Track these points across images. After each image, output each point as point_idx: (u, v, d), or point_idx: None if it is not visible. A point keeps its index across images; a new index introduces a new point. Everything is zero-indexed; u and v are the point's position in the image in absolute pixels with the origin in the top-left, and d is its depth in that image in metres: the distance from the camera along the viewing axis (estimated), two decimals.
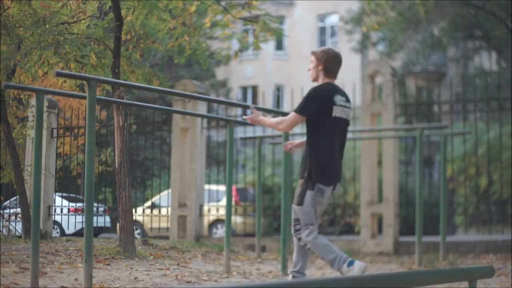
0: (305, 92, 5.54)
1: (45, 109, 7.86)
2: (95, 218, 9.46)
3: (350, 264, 5.16)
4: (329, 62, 5.36)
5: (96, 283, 5.65)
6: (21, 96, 9.10)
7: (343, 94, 5.37)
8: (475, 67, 24.45)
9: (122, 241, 7.81)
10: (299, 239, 5.36)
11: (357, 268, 5.10)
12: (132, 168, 10.43)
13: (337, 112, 5.25)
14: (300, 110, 5.33)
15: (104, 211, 11.20)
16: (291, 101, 14.45)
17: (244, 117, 5.77)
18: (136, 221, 13.02)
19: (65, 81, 8.43)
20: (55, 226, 10.60)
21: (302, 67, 30.42)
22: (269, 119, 5.60)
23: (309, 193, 5.26)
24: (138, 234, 13.61)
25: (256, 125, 5.70)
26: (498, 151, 12.53)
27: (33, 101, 8.90)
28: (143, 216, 13.42)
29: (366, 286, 2.89)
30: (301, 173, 5.37)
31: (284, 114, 7.85)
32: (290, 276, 5.53)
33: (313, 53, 5.46)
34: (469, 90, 18.21)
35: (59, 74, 5.51)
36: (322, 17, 31.09)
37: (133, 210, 9.08)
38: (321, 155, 5.26)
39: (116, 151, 7.96)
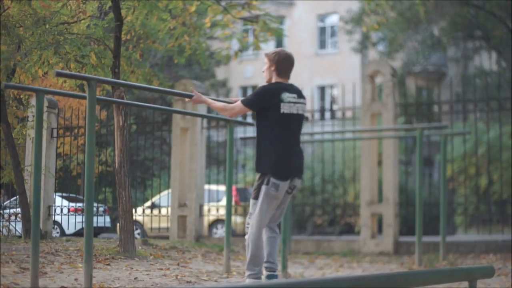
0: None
1: (45, 109, 7.86)
2: (95, 218, 9.46)
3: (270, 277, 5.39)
4: (281, 63, 5.53)
5: (96, 283, 5.65)
6: (21, 96, 9.09)
7: (293, 91, 5.51)
8: (475, 67, 24.44)
9: (122, 241, 7.81)
10: (246, 233, 5.51)
11: None
12: (132, 168, 10.43)
13: (285, 108, 5.39)
14: (247, 102, 5.50)
15: (104, 211, 11.20)
16: None
17: (186, 99, 5.94)
18: (136, 221, 13.02)
19: (65, 81, 8.43)
20: (55, 226, 10.60)
21: (302, 67, 30.42)
22: (215, 102, 5.73)
23: (264, 188, 5.38)
24: (138, 234, 13.61)
25: (255, 126, 5.73)
26: (498, 151, 12.53)
27: (33, 101, 8.90)
28: (143, 216, 13.42)
29: (366, 286, 2.89)
30: (256, 167, 5.50)
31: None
32: (264, 272, 5.54)
33: (266, 55, 5.64)
34: (469, 90, 18.21)
35: (59, 74, 5.51)
36: (322, 17, 31.08)
37: (133, 210, 9.08)
38: (274, 150, 5.37)
39: (116, 151, 7.96)
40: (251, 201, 5.49)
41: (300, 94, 5.54)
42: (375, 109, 11.63)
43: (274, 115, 5.38)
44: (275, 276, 5.51)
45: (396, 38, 22.67)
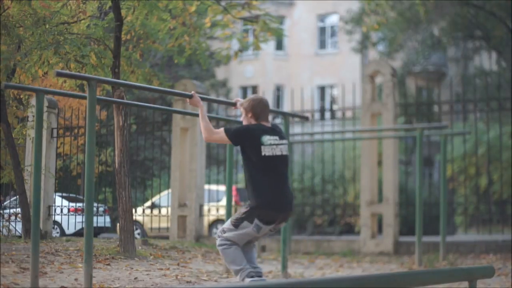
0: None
1: (45, 109, 7.86)
2: (95, 218, 9.46)
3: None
4: (256, 108, 5.57)
5: (96, 283, 5.65)
6: (21, 96, 9.09)
7: (275, 133, 5.50)
8: (475, 67, 24.43)
9: (122, 241, 7.81)
10: (217, 244, 5.48)
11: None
12: (132, 168, 10.43)
13: (266, 151, 5.37)
14: (229, 134, 5.50)
15: (104, 211, 11.20)
16: (291, 101, 14.44)
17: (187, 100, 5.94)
18: (136, 221, 13.02)
19: (65, 81, 8.43)
20: (55, 226, 10.60)
21: (302, 67, 30.43)
22: (204, 117, 5.66)
23: (246, 224, 5.35)
24: (138, 234, 13.61)
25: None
26: (498, 151, 12.53)
27: (33, 101, 8.90)
28: (143, 216, 13.42)
29: (366, 286, 2.89)
30: (247, 195, 5.48)
31: (284, 114, 7.88)
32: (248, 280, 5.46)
33: (241, 105, 5.72)
34: (469, 90, 18.21)
35: (59, 74, 5.51)
36: (322, 17, 31.07)
37: (133, 210, 9.08)
38: (262, 193, 5.34)
39: (116, 151, 7.96)
40: (228, 224, 5.45)
41: (281, 136, 5.53)
42: (375, 109, 11.63)
43: (256, 156, 5.37)
44: (261, 275, 5.46)
45: (396, 38, 22.67)
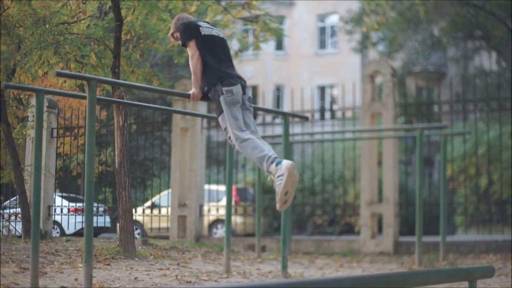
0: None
1: (45, 109, 7.85)
2: (95, 218, 9.46)
3: (278, 163, 5.30)
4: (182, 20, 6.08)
5: (96, 283, 5.65)
6: (21, 96, 9.09)
7: (209, 24, 6.07)
8: (475, 67, 24.43)
9: (122, 241, 7.81)
10: (233, 145, 5.69)
11: (284, 166, 5.24)
12: (132, 168, 10.43)
13: (205, 31, 5.87)
14: (185, 41, 5.87)
15: (104, 211, 11.20)
16: (291, 101, 14.44)
17: (187, 100, 6.20)
18: (136, 221, 13.02)
19: (65, 81, 8.43)
20: (55, 226, 10.59)
21: (302, 67, 30.42)
22: (196, 80, 5.85)
23: (221, 99, 5.64)
24: (138, 234, 13.60)
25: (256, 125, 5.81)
26: (498, 151, 12.53)
27: (33, 101, 8.90)
28: (143, 216, 13.42)
29: (366, 286, 2.89)
30: (207, 85, 5.81)
31: (284, 114, 7.88)
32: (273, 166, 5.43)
33: (171, 35, 6.16)
34: (469, 90, 18.21)
35: (59, 74, 5.51)
36: (322, 17, 31.08)
37: (133, 210, 9.08)
38: (213, 66, 5.74)
39: (116, 151, 7.96)
40: (219, 118, 5.70)
41: (213, 25, 6.09)
42: (375, 109, 11.63)
43: (199, 39, 5.79)
44: (281, 162, 5.39)
45: (396, 38, 22.67)
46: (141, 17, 8.54)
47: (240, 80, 5.76)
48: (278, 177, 5.24)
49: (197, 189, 12.08)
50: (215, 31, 5.95)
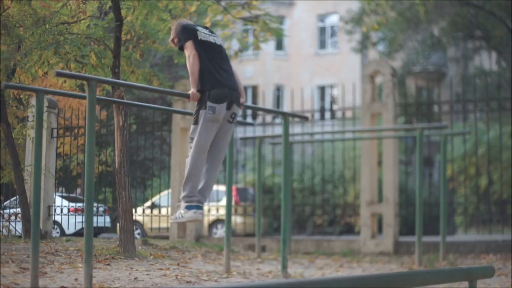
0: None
1: (45, 109, 7.85)
2: (95, 218, 9.46)
3: (190, 208, 5.79)
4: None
5: (96, 283, 5.65)
6: (21, 96, 9.08)
7: (207, 29, 6.04)
8: (475, 67, 24.42)
9: (122, 241, 7.81)
10: (188, 152, 5.85)
11: (189, 216, 5.74)
12: (132, 168, 10.43)
13: (202, 36, 5.85)
14: (182, 42, 5.83)
15: (104, 211, 11.20)
16: (291, 101, 14.44)
17: (186, 100, 6.19)
18: (136, 221, 13.02)
19: (65, 81, 8.42)
20: (55, 226, 10.60)
21: (302, 67, 30.42)
22: (194, 80, 5.82)
23: (202, 112, 5.69)
24: (138, 234, 13.61)
25: (256, 125, 5.86)
26: (498, 151, 12.53)
27: (33, 101, 8.89)
28: (143, 216, 13.42)
29: (366, 286, 2.89)
30: (199, 85, 5.78)
31: (284, 114, 7.88)
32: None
33: (172, 41, 6.13)
34: (469, 90, 18.20)
35: (59, 74, 5.51)
36: (322, 17, 31.07)
37: (133, 210, 9.08)
38: (205, 77, 5.72)
39: (116, 151, 7.96)
40: (192, 126, 5.77)
41: (213, 32, 6.06)
42: (375, 109, 11.63)
43: (195, 41, 5.78)
44: (200, 208, 5.83)
45: (396, 38, 22.66)
46: (141, 17, 8.54)
47: (230, 93, 5.73)
48: (180, 214, 5.80)
49: None
50: (212, 38, 5.94)
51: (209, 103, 5.63)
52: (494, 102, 11.82)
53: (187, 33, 5.85)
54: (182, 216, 5.76)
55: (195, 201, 5.84)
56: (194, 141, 5.73)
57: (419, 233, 9.27)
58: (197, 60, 5.77)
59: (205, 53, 5.78)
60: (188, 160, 5.88)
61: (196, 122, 5.71)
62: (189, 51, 5.78)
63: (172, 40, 6.09)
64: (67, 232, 10.55)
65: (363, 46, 24.68)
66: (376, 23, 19.07)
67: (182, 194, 5.87)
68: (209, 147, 5.81)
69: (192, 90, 5.85)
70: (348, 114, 15.72)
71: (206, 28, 6.09)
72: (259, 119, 17.05)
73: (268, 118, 15.11)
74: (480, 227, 14.58)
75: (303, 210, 15.39)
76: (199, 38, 5.80)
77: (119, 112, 7.87)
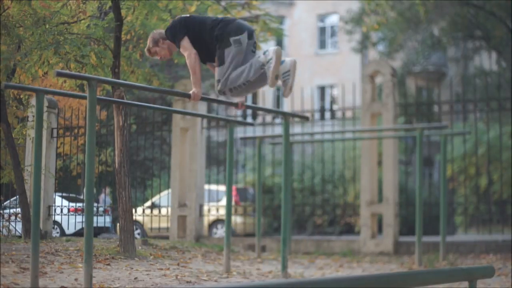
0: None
1: (45, 109, 7.86)
2: (95, 218, 9.46)
3: (265, 52, 5.64)
4: (162, 35, 6.03)
5: (96, 283, 5.65)
6: (21, 96, 9.08)
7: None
8: (475, 67, 24.42)
9: (122, 241, 7.81)
10: (222, 89, 5.70)
11: (272, 50, 5.60)
12: (132, 168, 10.43)
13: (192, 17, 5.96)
14: (178, 40, 5.80)
15: (104, 211, 11.20)
16: (291, 101, 14.44)
17: (187, 100, 6.12)
18: (136, 221, 13.02)
19: (65, 81, 8.43)
20: (55, 226, 10.60)
21: (302, 67, 30.39)
22: (196, 79, 5.82)
23: (227, 50, 5.64)
24: (138, 234, 13.60)
25: (256, 125, 5.86)
26: (498, 151, 12.53)
27: (33, 101, 8.89)
28: (143, 216, 13.42)
29: (366, 286, 2.89)
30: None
31: (284, 114, 7.88)
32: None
33: (148, 50, 6.12)
34: (469, 90, 18.20)
35: (59, 74, 5.51)
36: (322, 17, 31.07)
37: (133, 210, 9.08)
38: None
39: (116, 151, 7.96)
40: (217, 69, 5.69)
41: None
42: (375, 109, 11.63)
43: (190, 30, 5.78)
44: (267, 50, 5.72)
45: (396, 38, 22.65)
46: (141, 17, 8.54)
47: (247, 25, 5.78)
48: (268, 61, 5.58)
49: (197, 189, 12.08)
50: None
51: (232, 38, 5.60)
52: (494, 102, 11.82)
53: (179, 30, 5.80)
54: (270, 59, 5.54)
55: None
56: (226, 75, 5.62)
57: (419, 233, 9.27)
58: (198, 59, 5.75)
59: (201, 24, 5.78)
60: (227, 82, 5.68)
61: (222, 63, 5.63)
62: (187, 49, 5.74)
63: (148, 49, 6.08)
64: (67, 232, 10.55)
65: (363, 46, 24.67)
66: (376, 23, 19.07)
67: (261, 63, 5.63)
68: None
69: (193, 90, 5.84)
70: (348, 114, 15.71)
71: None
72: (259, 119, 17.05)
73: (268, 118, 15.11)
74: (480, 227, 14.58)
75: (303, 210, 15.38)
76: (189, 16, 5.89)
77: (119, 112, 7.88)
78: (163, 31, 6.05)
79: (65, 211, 10.30)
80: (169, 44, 5.97)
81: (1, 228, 9.34)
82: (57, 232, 10.68)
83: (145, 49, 6.16)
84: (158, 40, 5.98)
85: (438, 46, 23.94)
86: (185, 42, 5.74)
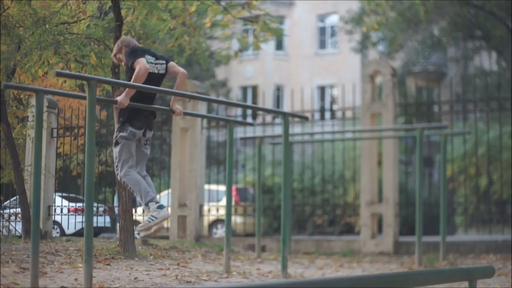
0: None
1: (45, 109, 7.85)
2: (95, 218, 9.46)
3: (160, 207, 5.97)
4: (125, 41, 6.33)
5: (96, 283, 5.65)
6: (21, 96, 9.08)
7: (152, 54, 6.25)
8: (475, 67, 24.42)
9: (122, 241, 7.81)
10: (117, 174, 6.14)
11: (163, 214, 5.95)
12: None
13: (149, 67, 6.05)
14: (135, 57, 6.01)
15: (104, 211, 11.19)
16: (291, 101, 14.45)
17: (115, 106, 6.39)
18: (136, 221, 13.01)
19: (65, 81, 8.42)
20: (55, 226, 10.59)
21: (302, 67, 30.42)
22: (130, 92, 6.10)
23: (122, 134, 6.06)
24: (138, 234, 13.59)
25: (256, 125, 5.91)
26: (498, 151, 12.53)
27: (33, 101, 8.89)
28: (143, 216, 13.40)
29: (366, 286, 2.89)
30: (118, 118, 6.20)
31: (284, 114, 7.88)
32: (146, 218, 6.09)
33: (114, 56, 6.44)
34: (469, 90, 18.20)
35: (59, 74, 5.52)
36: (322, 17, 31.07)
37: (133, 210, 9.07)
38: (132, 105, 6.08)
39: None
40: (114, 150, 6.12)
41: (157, 57, 6.26)
42: (375, 109, 11.63)
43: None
44: (163, 206, 6.03)
45: (396, 38, 22.64)
46: (141, 17, 8.54)
47: (145, 122, 6.17)
48: (152, 217, 5.95)
49: (197, 189, 12.08)
50: (156, 68, 6.17)
51: (130, 128, 6.08)
52: (494, 102, 11.82)
53: (139, 52, 6.05)
54: (156, 217, 5.93)
55: (159, 201, 6.08)
56: (119, 161, 6.11)
57: (419, 233, 9.27)
58: (145, 76, 5.93)
59: (146, 83, 5.99)
60: (124, 180, 6.15)
61: (117, 143, 6.14)
62: (142, 65, 5.90)
63: (115, 55, 6.30)
64: (67, 232, 10.55)
65: (363, 46, 24.68)
66: (376, 23, 19.06)
67: (146, 200, 6.01)
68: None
69: (122, 98, 6.02)
70: (348, 114, 15.72)
71: (153, 54, 6.26)
72: (259, 119, 17.06)
73: (268, 118, 15.12)
74: (480, 227, 14.57)
75: (303, 210, 15.38)
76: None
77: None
78: (128, 38, 6.37)
79: (65, 211, 10.29)
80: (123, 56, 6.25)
81: (1, 228, 9.34)
82: (57, 232, 10.68)
83: (112, 55, 6.47)
84: (122, 48, 6.27)
85: (438, 46, 23.94)
86: (142, 60, 5.96)
